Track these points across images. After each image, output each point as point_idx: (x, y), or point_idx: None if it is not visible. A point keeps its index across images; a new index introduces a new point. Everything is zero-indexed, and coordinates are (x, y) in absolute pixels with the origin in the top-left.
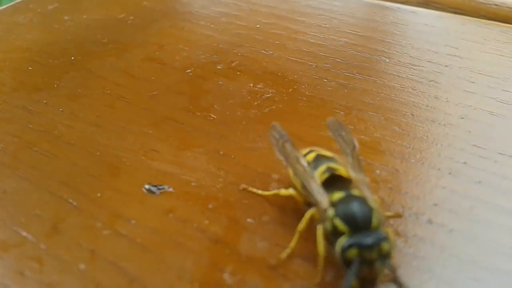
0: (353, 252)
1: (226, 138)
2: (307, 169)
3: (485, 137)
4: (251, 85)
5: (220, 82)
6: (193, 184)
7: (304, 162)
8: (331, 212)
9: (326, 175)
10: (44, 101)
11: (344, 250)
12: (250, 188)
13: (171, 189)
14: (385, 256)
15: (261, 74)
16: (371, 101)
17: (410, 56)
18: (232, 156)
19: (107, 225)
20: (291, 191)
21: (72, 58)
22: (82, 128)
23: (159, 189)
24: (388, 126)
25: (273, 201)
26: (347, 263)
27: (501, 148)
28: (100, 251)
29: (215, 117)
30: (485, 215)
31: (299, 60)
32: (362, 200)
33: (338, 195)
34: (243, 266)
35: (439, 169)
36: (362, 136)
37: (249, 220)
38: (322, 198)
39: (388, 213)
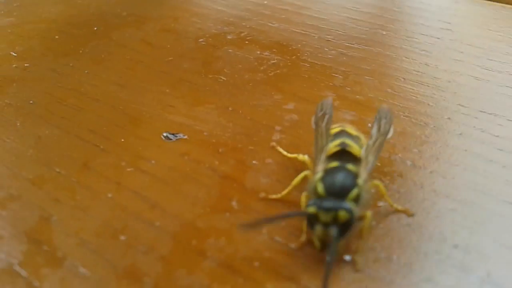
0: (311, 210)
1: (234, 96)
2: (324, 139)
3: (468, 98)
4: (258, 52)
5: (229, 50)
6: (205, 133)
7: (326, 133)
8: (318, 175)
9: (337, 148)
10: (71, 64)
11: (307, 206)
12: (278, 148)
13: (186, 137)
14: (343, 225)
15: (268, 44)
16: (367, 67)
17: (405, 29)
18: (240, 111)
19: (130, 163)
20: (306, 158)
21: (95, 28)
22: (105, 87)
23: (175, 136)
24: (381, 88)
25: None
26: (309, 220)
27: (482, 107)
28: (125, 183)
29: (225, 79)
30: (462, 160)
31: (303, 32)
32: (352, 174)
33: (334, 164)
34: (248, 196)
35: (425, 123)
36: (358, 96)
37: (254, 162)
38: (319, 163)
39: (398, 207)
